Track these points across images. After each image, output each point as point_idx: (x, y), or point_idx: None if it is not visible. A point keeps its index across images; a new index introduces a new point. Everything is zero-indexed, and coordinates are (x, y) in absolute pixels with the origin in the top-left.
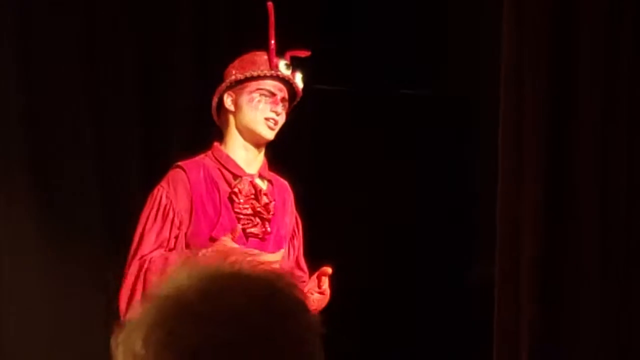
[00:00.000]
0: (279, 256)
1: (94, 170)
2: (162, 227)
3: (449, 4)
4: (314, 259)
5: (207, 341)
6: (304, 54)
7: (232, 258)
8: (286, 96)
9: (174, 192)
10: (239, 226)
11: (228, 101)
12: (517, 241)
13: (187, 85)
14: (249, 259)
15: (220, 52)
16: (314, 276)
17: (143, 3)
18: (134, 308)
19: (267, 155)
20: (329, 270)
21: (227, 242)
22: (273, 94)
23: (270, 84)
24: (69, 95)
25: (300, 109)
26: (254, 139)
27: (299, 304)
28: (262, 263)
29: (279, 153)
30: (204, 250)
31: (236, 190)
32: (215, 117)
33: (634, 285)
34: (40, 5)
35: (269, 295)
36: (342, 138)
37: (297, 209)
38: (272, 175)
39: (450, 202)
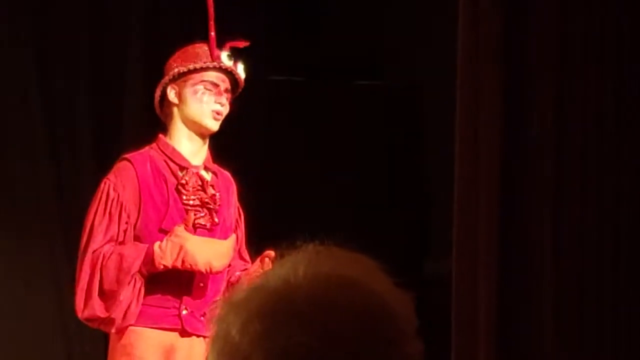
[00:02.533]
0: (232, 241)
1: (47, 164)
2: (110, 221)
3: None
4: (261, 249)
5: (301, 348)
6: (242, 44)
7: (354, 265)
8: (229, 87)
9: (122, 185)
10: (192, 214)
11: (171, 94)
12: (474, 237)
13: (136, 79)
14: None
15: (169, 41)
16: (258, 259)
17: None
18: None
19: (221, 146)
20: (272, 253)
21: (180, 231)
22: (216, 85)
23: (213, 76)
24: (22, 89)
25: (254, 100)
26: (199, 131)
27: (408, 333)
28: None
29: (233, 144)
30: (317, 246)
31: (183, 181)
32: (157, 110)
33: (586, 280)
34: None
35: (380, 318)
36: (296, 129)
37: (246, 199)
38: (216, 167)
39: (405, 194)
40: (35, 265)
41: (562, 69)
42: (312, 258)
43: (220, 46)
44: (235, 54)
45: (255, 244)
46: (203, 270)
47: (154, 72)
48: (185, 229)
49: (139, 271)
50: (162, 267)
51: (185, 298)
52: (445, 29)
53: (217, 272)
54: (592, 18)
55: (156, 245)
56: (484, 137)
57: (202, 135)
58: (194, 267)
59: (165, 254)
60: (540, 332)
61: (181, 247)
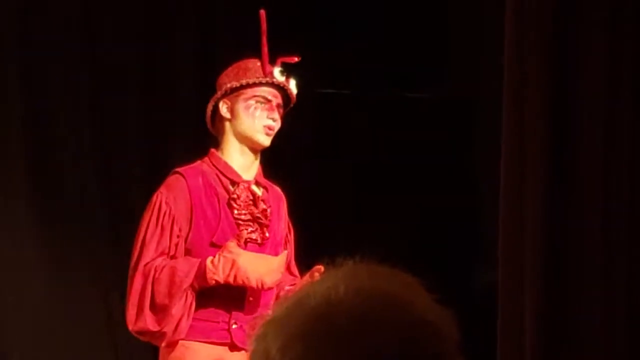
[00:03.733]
0: (283, 257)
1: (95, 173)
2: (162, 234)
3: (450, 6)
4: (312, 264)
5: None
6: (293, 60)
7: (395, 281)
8: (281, 102)
9: (174, 199)
10: (245, 231)
11: (224, 109)
12: (521, 245)
13: (189, 89)
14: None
15: (220, 60)
16: (308, 273)
17: (146, 11)
18: (265, 311)
19: (270, 159)
20: (322, 267)
21: (233, 247)
22: (269, 101)
23: (265, 91)
24: (70, 96)
25: (303, 113)
26: (251, 146)
27: (450, 350)
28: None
29: (283, 158)
30: (358, 262)
31: (234, 196)
32: (209, 125)
33: (637, 285)
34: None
35: (422, 336)
36: (346, 141)
37: (295, 212)
38: (267, 182)
39: (454, 205)
40: (83, 276)
41: (610, 82)
42: (351, 275)
43: (273, 62)
44: (287, 69)
45: (304, 259)
46: (255, 287)
47: (206, 87)
48: (237, 244)
49: (191, 285)
50: (214, 282)
51: (235, 312)
52: (497, 40)
53: (269, 288)
54: None
55: (208, 260)
56: (531, 150)
57: (254, 150)
58: (246, 283)
59: (218, 270)
60: (589, 344)
61: (233, 263)
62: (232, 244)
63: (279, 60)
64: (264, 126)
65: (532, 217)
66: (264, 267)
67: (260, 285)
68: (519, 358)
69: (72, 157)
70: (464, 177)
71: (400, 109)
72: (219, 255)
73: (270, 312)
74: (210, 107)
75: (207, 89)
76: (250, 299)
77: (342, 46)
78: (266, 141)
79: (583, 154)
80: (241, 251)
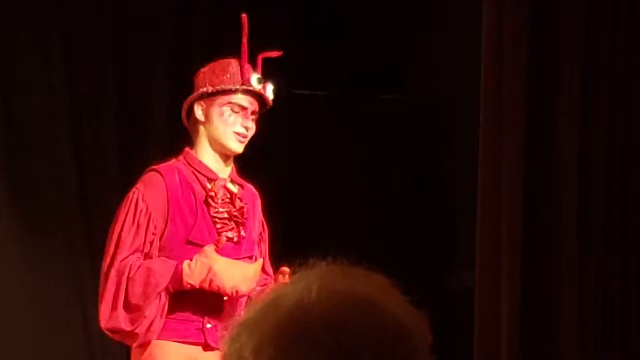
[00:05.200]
0: (259, 265)
1: (72, 169)
2: (138, 232)
3: (427, 7)
4: (283, 262)
5: None
6: (276, 54)
7: (368, 283)
8: (257, 109)
9: (150, 196)
10: (224, 236)
11: (199, 112)
12: (497, 247)
13: (164, 89)
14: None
15: (198, 53)
16: (274, 276)
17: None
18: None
19: (245, 160)
20: (287, 269)
21: (210, 252)
22: (244, 108)
23: (241, 98)
24: (48, 92)
25: (279, 115)
26: (223, 152)
27: (423, 351)
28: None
29: (257, 158)
30: (331, 264)
31: (212, 193)
32: (185, 123)
33: (610, 291)
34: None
35: (395, 338)
36: (320, 143)
37: (269, 213)
38: (242, 180)
39: (430, 207)
40: (57, 272)
41: (586, 76)
42: (325, 276)
43: (254, 57)
44: (265, 70)
45: (278, 258)
46: (229, 294)
47: (182, 81)
48: (215, 250)
49: (166, 288)
50: (189, 286)
51: (209, 315)
52: (468, 39)
53: (243, 296)
54: (618, 21)
55: (185, 263)
56: (508, 147)
57: (226, 156)
58: (221, 289)
59: (194, 274)
60: (564, 347)
61: (210, 269)
62: (209, 249)
63: (261, 56)
64: (236, 133)
65: (508, 220)
66: (239, 274)
67: (235, 293)
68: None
69: (49, 159)
70: (439, 177)
71: (374, 110)
72: (196, 259)
73: (243, 313)
74: (185, 107)
75: (183, 87)
76: (225, 298)
77: (318, 47)
78: (238, 148)
79: (559, 156)
80: (219, 257)
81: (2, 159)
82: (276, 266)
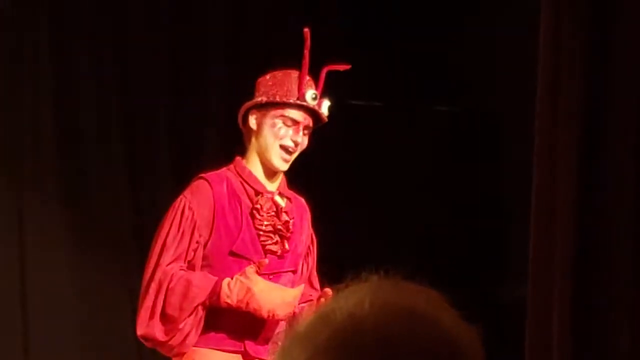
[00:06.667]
0: (299, 290)
1: (125, 176)
2: (182, 239)
3: (482, 20)
4: (333, 275)
5: None
6: (343, 67)
7: (420, 297)
8: (310, 124)
9: (197, 204)
10: (266, 260)
11: (252, 120)
12: (551, 261)
13: (218, 95)
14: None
15: (254, 57)
16: (319, 295)
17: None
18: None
19: (297, 171)
20: (329, 291)
21: (251, 274)
22: (296, 122)
23: (295, 113)
24: (100, 101)
25: (333, 124)
26: (268, 165)
27: None
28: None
29: (310, 167)
30: (382, 278)
31: (258, 206)
32: (241, 127)
33: None
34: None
35: (447, 354)
36: (375, 153)
37: (320, 226)
38: (291, 193)
39: (483, 219)
40: (110, 283)
41: None
42: (377, 290)
43: (319, 70)
44: (327, 87)
45: (328, 271)
46: (265, 317)
47: (237, 93)
48: (256, 272)
49: (203, 302)
50: (226, 305)
51: (247, 333)
52: (525, 53)
53: (280, 320)
54: None
55: (225, 282)
56: (562, 164)
57: (271, 170)
58: (257, 311)
59: (232, 293)
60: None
61: (248, 290)
62: (250, 270)
63: (326, 68)
64: (282, 146)
65: (562, 232)
66: (278, 298)
67: (271, 316)
68: None
69: (102, 161)
70: (493, 190)
71: (428, 121)
72: (236, 279)
73: (294, 327)
74: (241, 113)
75: (237, 95)
76: (264, 324)
77: (374, 57)
78: (282, 166)
79: (615, 171)
80: (259, 279)
81: (59, 167)
82: (329, 280)
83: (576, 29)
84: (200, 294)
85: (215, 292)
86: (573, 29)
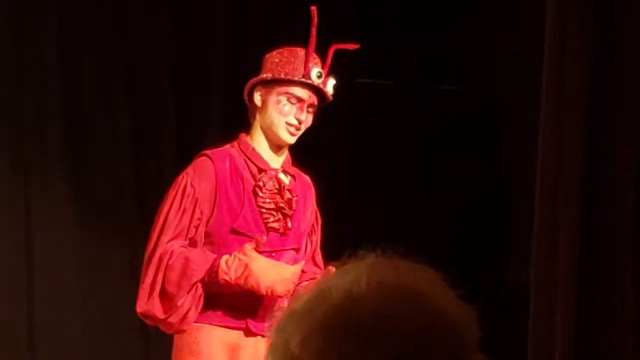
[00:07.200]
0: (299, 267)
1: (129, 156)
2: (183, 216)
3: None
4: (337, 254)
5: None
6: (351, 46)
7: (417, 276)
8: (315, 102)
9: (199, 181)
10: (264, 237)
11: (257, 96)
12: (553, 246)
13: (222, 79)
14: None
15: (260, 34)
16: (322, 273)
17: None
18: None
19: (302, 148)
20: (333, 269)
21: (249, 250)
22: (301, 100)
23: (299, 90)
24: (106, 83)
25: (340, 103)
26: (274, 140)
27: (470, 346)
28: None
29: (317, 146)
30: (380, 256)
31: (260, 183)
32: (247, 102)
33: None
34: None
35: (443, 332)
36: (381, 132)
37: (324, 203)
38: (295, 170)
39: (486, 203)
40: (114, 265)
41: None
42: (374, 268)
43: (326, 47)
44: (334, 66)
45: (332, 248)
46: (264, 293)
47: (241, 73)
48: (254, 248)
49: (201, 279)
50: (224, 281)
51: (248, 310)
52: (530, 38)
53: (279, 296)
54: None
55: (223, 259)
56: (567, 147)
57: (279, 145)
58: (255, 288)
59: (230, 270)
60: (620, 341)
61: (246, 267)
62: (248, 247)
63: (334, 47)
64: (287, 123)
65: (566, 214)
66: (276, 275)
67: (269, 293)
68: (550, 356)
69: (106, 142)
70: (496, 171)
71: (434, 102)
72: (234, 255)
73: (289, 304)
74: (247, 89)
75: (241, 74)
76: (264, 302)
77: (381, 37)
78: (289, 139)
79: (620, 155)
80: (257, 256)
81: (63, 151)
82: (329, 256)
83: (580, 28)
84: (198, 270)
85: (214, 269)
86: (577, 27)
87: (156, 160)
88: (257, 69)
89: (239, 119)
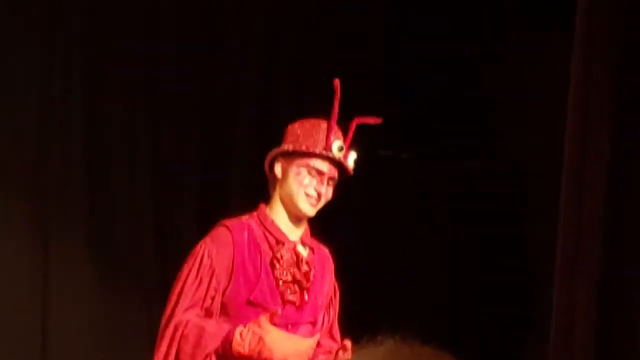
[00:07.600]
0: (314, 340)
1: (150, 226)
2: (199, 287)
3: (512, 77)
4: (356, 327)
5: None
6: (374, 121)
7: None
8: (335, 175)
9: (216, 252)
10: (279, 309)
11: (277, 167)
12: (572, 322)
13: (248, 132)
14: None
15: (284, 102)
16: (337, 348)
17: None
18: None
19: (322, 219)
20: (349, 344)
21: (264, 322)
22: (321, 173)
23: (320, 163)
24: (129, 143)
25: (360, 174)
26: (294, 211)
27: None
28: None
29: (337, 217)
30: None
31: (278, 255)
32: (267, 173)
33: None
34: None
35: None
36: (404, 203)
37: (347, 274)
38: (314, 242)
39: (509, 274)
40: (134, 327)
41: None
42: (392, 356)
43: (348, 121)
44: (355, 138)
45: (350, 321)
46: None
47: (264, 140)
48: (269, 320)
49: (215, 350)
50: (238, 353)
51: None
52: (552, 110)
53: None
54: None
55: (237, 330)
56: (588, 219)
57: (298, 217)
58: None
59: (244, 342)
60: None
61: (260, 339)
62: (263, 319)
63: (356, 120)
64: (307, 194)
65: (585, 294)
66: (290, 348)
67: None
68: None
69: (126, 206)
70: (517, 247)
71: (455, 175)
72: (249, 327)
73: None
74: (268, 160)
75: (264, 141)
76: None
77: (404, 109)
78: (309, 211)
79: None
80: (271, 328)
81: (84, 214)
82: (347, 329)
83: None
84: (212, 341)
85: (228, 340)
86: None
87: (176, 213)
88: (280, 139)
89: (260, 186)
